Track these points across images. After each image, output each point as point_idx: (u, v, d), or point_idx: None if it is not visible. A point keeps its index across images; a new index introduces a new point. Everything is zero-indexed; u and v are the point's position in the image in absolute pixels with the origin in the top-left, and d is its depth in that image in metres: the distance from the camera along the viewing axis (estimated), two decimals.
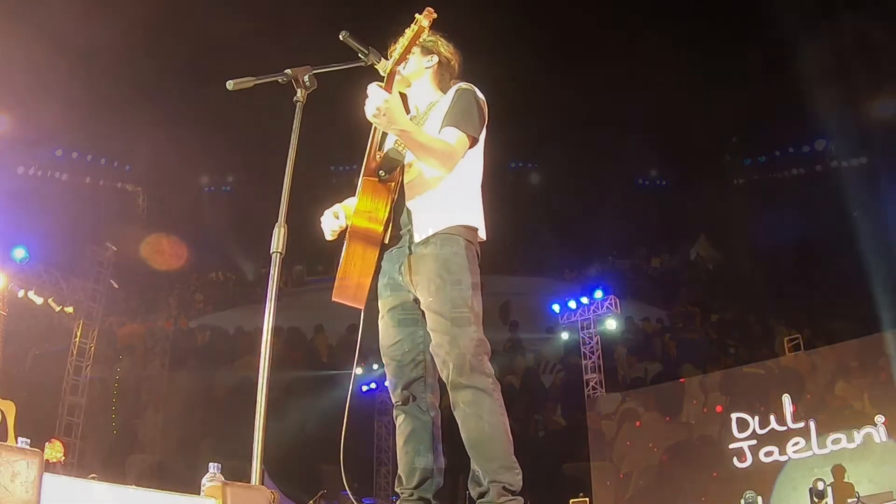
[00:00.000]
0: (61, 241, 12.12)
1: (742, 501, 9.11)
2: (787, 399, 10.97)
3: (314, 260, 18.89)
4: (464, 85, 2.57)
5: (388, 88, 2.28)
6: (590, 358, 13.76)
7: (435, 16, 2.28)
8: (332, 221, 2.59)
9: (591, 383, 13.57)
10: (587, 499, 11.48)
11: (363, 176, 2.44)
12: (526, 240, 18.98)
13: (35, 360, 12.61)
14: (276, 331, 2.05)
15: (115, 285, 12.61)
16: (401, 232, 2.48)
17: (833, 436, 10.28)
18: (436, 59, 2.67)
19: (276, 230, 2.20)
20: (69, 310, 11.48)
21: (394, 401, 2.55)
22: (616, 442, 12.92)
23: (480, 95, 2.56)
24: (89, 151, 16.54)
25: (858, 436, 10.04)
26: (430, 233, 2.43)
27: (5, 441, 7.16)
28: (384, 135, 2.55)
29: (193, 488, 2.17)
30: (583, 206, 19.37)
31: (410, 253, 2.45)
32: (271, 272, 2.17)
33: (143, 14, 11.81)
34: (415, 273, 2.43)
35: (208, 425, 13.77)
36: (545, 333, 17.75)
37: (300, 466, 13.29)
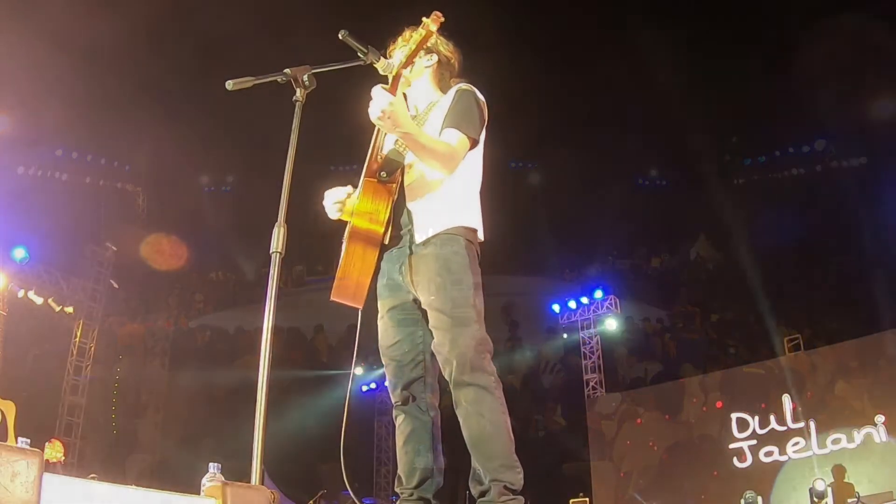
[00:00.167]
0: (61, 241, 12.12)
1: (742, 501, 9.11)
2: (787, 399, 10.97)
3: (314, 260, 18.91)
4: (464, 86, 2.57)
5: (393, 91, 2.28)
6: (590, 358, 13.77)
7: (443, 20, 2.27)
8: (338, 193, 2.57)
9: (591, 383, 13.58)
10: (587, 499, 11.48)
11: (364, 177, 2.45)
12: (526, 240, 18.99)
13: (35, 360, 12.61)
14: (276, 331, 2.04)
15: (115, 285, 12.62)
16: (401, 232, 2.48)
17: (833, 436, 10.29)
18: (435, 58, 2.67)
19: (275, 230, 2.20)
20: (69, 310, 11.48)
21: (393, 401, 2.55)
22: (616, 442, 12.92)
23: (480, 96, 2.56)
24: (89, 151, 16.53)
25: (858, 436, 10.04)
26: (431, 233, 2.43)
27: (5, 441, 7.16)
28: (384, 135, 2.55)
29: (193, 488, 2.17)
30: (583, 206, 19.38)
31: (411, 253, 2.45)
32: (271, 272, 2.16)
33: (144, 14, 11.82)
34: (415, 273, 2.43)
35: (208, 425, 13.78)
36: (545, 333, 17.76)
37: (300, 466, 13.29)
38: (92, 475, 7.03)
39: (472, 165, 2.57)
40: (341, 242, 2.52)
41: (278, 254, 2.18)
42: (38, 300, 10.75)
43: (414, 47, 2.32)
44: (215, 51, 12.98)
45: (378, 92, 2.24)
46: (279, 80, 2.36)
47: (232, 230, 17.92)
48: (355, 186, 2.67)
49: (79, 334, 12.00)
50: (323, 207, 2.67)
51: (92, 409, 12.35)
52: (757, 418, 11.24)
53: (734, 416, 11.52)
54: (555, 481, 13.45)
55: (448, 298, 2.34)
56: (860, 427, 10.06)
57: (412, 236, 2.45)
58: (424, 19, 2.29)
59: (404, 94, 2.65)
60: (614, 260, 20.73)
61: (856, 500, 8.34)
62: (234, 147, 17.26)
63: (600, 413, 13.30)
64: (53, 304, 11.08)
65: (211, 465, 2.40)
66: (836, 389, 10.74)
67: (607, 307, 13.76)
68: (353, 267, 2.40)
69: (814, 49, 14.15)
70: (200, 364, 16.02)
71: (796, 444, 10.70)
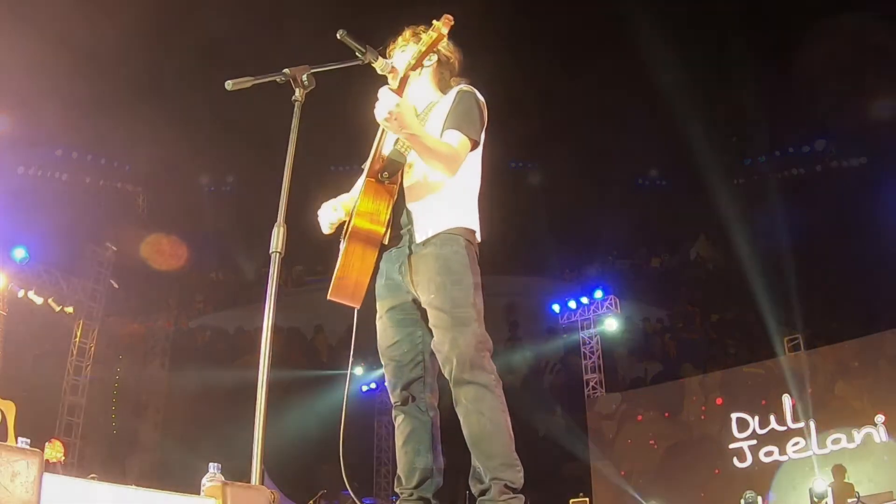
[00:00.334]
0: (61, 241, 12.11)
1: (742, 501, 9.10)
2: (787, 399, 10.97)
3: (314, 260, 18.88)
4: (464, 87, 2.57)
5: (400, 92, 2.29)
6: (590, 358, 13.77)
7: (453, 23, 2.28)
8: (330, 214, 2.62)
9: (591, 383, 13.58)
10: (587, 499, 11.48)
11: (366, 177, 2.45)
12: (526, 240, 19.00)
13: (35, 360, 12.60)
14: (276, 331, 2.05)
15: (115, 285, 12.62)
16: (401, 232, 2.48)
17: (833, 436, 10.29)
18: (435, 58, 2.67)
19: (275, 230, 2.20)
20: (69, 310, 11.49)
21: (393, 401, 2.55)
22: (616, 442, 12.93)
23: (480, 98, 2.57)
24: (89, 151, 16.52)
25: (858, 436, 10.05)
26: (431, 233, 2.43)
27: (5, 441, 7.16)
28: (386, 136, 2.56)
29: (193, 488, 2.17)
30: (583, 206, 19.38)
31: (411, 253, 2.45)
32: (271, 272, 2.16)
33: (144, 14, 11.81)
34: (415, 273, 2.43)
35: (208, 425, 13.75)
36: (545, 333, 17.76)
37: (300, 466, 13.29)
38: (92, 475, 7.04)
39: (472, 166, 2.57)
40: (340, 241, 2.53)
41: (278, 254, 2.18)
42: (38, 300, 10.75)
43: (424, 49, 2.33)
44: (215, 51, 12.98)
45: (385, 93, 2.25)
46: (278, 80, 2.36)
47: (232, 230, 17.92)
48: (349, 189, 2.69)
49: (79, 334, 12.01)
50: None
51: (92, 409, 12.35)
52: (757, 418, 11.25)
53: (734, 415, 11.52)
54: (555, 481, 13.44)
55: (448, 297, 2.35)
56: (860, 427, 10.06)
57: (412, 236, 2.46)
58: (435, 22, 2.29)
59: None
60: (614, 260, 20.74)
61: (856, 500, 8.32)
62: (234, 147, 17.25)
63: (600, 413, 13.30)
64: (53, 304, 11.08)
65: (211, 465, 2.40)
66: (836, 389, 10.74)
67: (607, 307, 13.76)
68: (352, 266, 2.40)
69: (814, 49, 14.15)
70: (200, 364, 16.02)
71: (796, 444, 10.70)
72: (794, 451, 10.69)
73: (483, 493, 2.27)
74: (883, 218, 14.17)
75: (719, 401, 11.96)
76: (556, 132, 18.67)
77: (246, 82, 2.34)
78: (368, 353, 2.57)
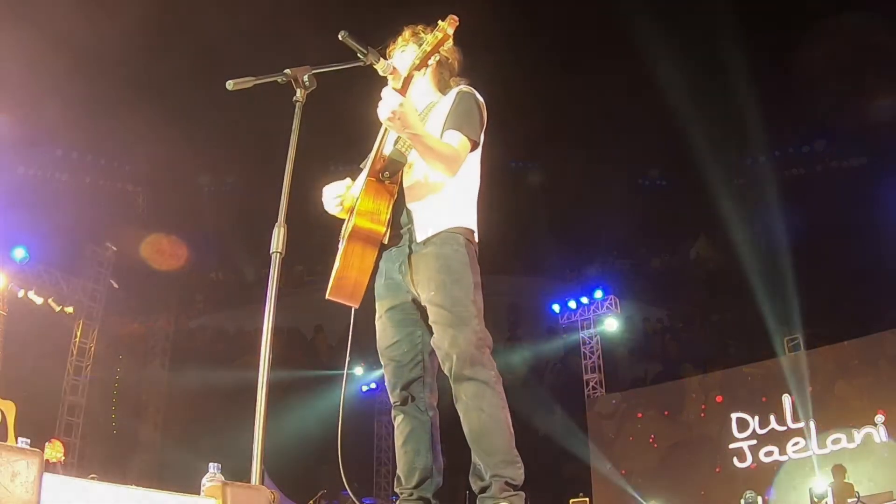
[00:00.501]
0: (61, 241, 12.11)
1: (742, 501, 9.10)
2: (787, 399, 10.97)
3: (314, 260, 18.86)
4: (465, 87, 2.58)
5: (404, 92, 2.30)
6: (590, 358, 13.77)
7: (458, 23, 2.28)
8: (337, 188, 2.62)
9: (591, 383, 13.58)
10: (587, 499, 11.48)
11: (367, 176, 2.45)
12: (526, 240, 19.00)
13: (35, 360, 12.60)
14: (276, 331, 2.04)
15: (115, 285, 12.62)
16: (400, 231, 2.49)
17: (833, 436, 10.29)
18: (435, 58, 2.67)
19: (275, 230, 2.20)
20: (69, 310, 11.49)
21: (392, 401, 2.55)
22: (616, 442, 12.93)
23: (480, 98, 2.58)
24: (89, 151, 16.51)
25: (858, 436, 10.05)
26: (431, 233, 2.44)
27: (5, 441, 7.16)
28: (388, 136, 2.56)
29: (193, 488, 2.17)
30: (583, 206, 19.38)
31: (411, 252, 2.46)
32: (271, 272, 2.17)
33: (144, 14, 11.80)
34: (415, 272, 2.44)
35: (208, 425, 13.76)
36: (545, 333, 17.77)
37: (300, 466, 13.29)
38: (92, 475, 7.04)
39: (472, 167, 2.58)
40: (339, 241, 2.53)
41: (278, 254, 2.18)
42: (38, 300, 10.75)
43: (430, 49, 2.34)
44: (215, 51, 12.97)
45: (388, 93, 2.26)
46: (279, 80, 2.36)
47: (232, 230, 17.91)
48: (353, 179, 2.68)
49: (79, 334, 12.01)
50: (323, 207, 2.68)
51: (92, 409, 12.35)
52: (757, 418, 11.25)
53: (734, 415, 11.52)
54: (555, 481, 13.45)
55: (448, 296, 2.35)
56: (860, 427, 10.06)
57: (412, 235, 2.46)
58: (440, 22, 2.29)
59: None
60: (614, 260, 20.74)
61: (856, 500, 8.32)
62: (234, 147, 17.26)
63: (600, 413, 13.31)
64: (53, 304, 11.08)
65: (211, 465, 2.41)
66: (836, 389, 10.74)
67: (607, 307, 13.77)
68: (351, 266, 2.40)
69: (814, 49, 14.15)
70: (200, 364, 16.02)
71: (796, 444, 10.70)
72: (794, 451, 10.69)
73: (483, 490, 2.27)
74: (883, 218, 14.17)
75: (719, 398, 11.96)
76: (556, 132, 18.66)
77: (247, 82, 2.34)
78: (368, 353, 2.57)
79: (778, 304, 12.82)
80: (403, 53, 2.60)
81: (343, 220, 2.63)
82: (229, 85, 2.33)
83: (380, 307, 2.57)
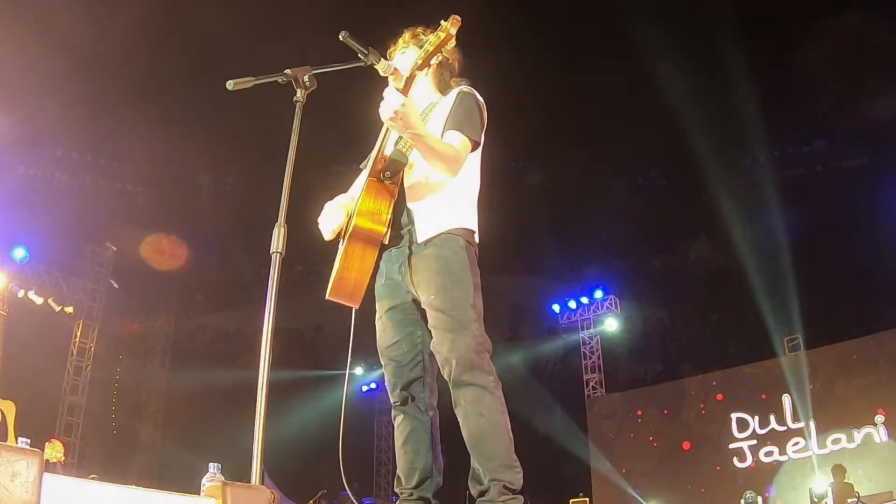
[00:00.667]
0: (61, 241, 12.11)
1: (742, 501, 9.11)
2: (787, 399, 10.97)
3: (314, 260, 18.85)
4: (465, 88, 2.58)
5: (406, 92, 2.30)
6: (590, 358, 13.77)
7: (460, 24, 2.28)
8: (334, 219, 2.58)
9: (591, 383, 13.58)
10: (587, 499, 11.49)
11: (368, 176, 2.45)
12: (526, 240, 18.99)
13: (35, 360, 12.59)
14: (276, 331, 2.05)
15: (115, 285, 12.62)
16: (401, 232, 2.49)
17: (833, 436, 10.29)
18: (437, 58, 2.67)
19: (275, 230, 2.20)
20: (69, 310, 11.49)
21: (392, 401, 2.55)
22: (616, 442, 12.93)
23: (480, 99, 2.58)
24: (89, 151, 16.49)
25: (858, 436, 10.05)
26: (432, 233, 2.44)
27: (5, 441, 7.16)
28: (390, 136, 2.56)
29: (193, 488, 2.17)
30: (583, 206, 19.37)
31: (411, 253, 2.46)
32: (271, 272, 2.17)
33: (144, 14, 11.79)
34: (415, 273, 2.44)
35: (208, 425, 13.76)
36: (545, 333, 17.77)
37: (300, 466, 13.29)
38: (92, 475, 7.04)
39: (472, 167, 2.58)
40: (338, 241, 2.52)
41: (278, 254, 2.18)
42: (38, 300, 10.75)
43: (432, 49, 2.34)
44: (215, 51, 12.96)
45: (390, 92, 2.25)
46: (280, 80, 2.36)
47: (232, 230, 17.91)
48: (346, 190, 2.68)
49: (79, 334, 12.01)
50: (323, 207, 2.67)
51: (92, 409, 12.35)
52: (757, 418, 11.25)
53: (734, 415, 11.52)
54: (555, 481, 13.46)
55: (448, 298, 2.35)
56: (860, 427, 10.06)
57: (413, 236, 2.46)
58: (443, 22, 2.29)
59: None
60: (614, 260, 20.71)
61: (856, 500, 8.32)
62: (234, 147, 17.24)
63: (600, 413, 13.31)
64: (53, 304, 11.08)
65: (211, 465, 2.41)
66: (836, 389, 10.74)
67: (607, 307, 13.77)
68: (352, 266, 2.40)
69: (814, 49, 14.15)
70: (200, 364, 16.02)
71: (796, 444, 10.70)
72: (794, 451, 10.69)
73: (482, 494, 2.27)
74: (883, 218, 14.17)
75: (720, 397, 11.96)
76: (556, 132, 18.65)
77: (247, 82, 2.34)
78: (368, 353, 2.56)
79: (778, 304, 12.83)
80: (404, 55, 2.60)
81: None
82: (229, 85, 2.33)
83: (380, 307, 2.57)
